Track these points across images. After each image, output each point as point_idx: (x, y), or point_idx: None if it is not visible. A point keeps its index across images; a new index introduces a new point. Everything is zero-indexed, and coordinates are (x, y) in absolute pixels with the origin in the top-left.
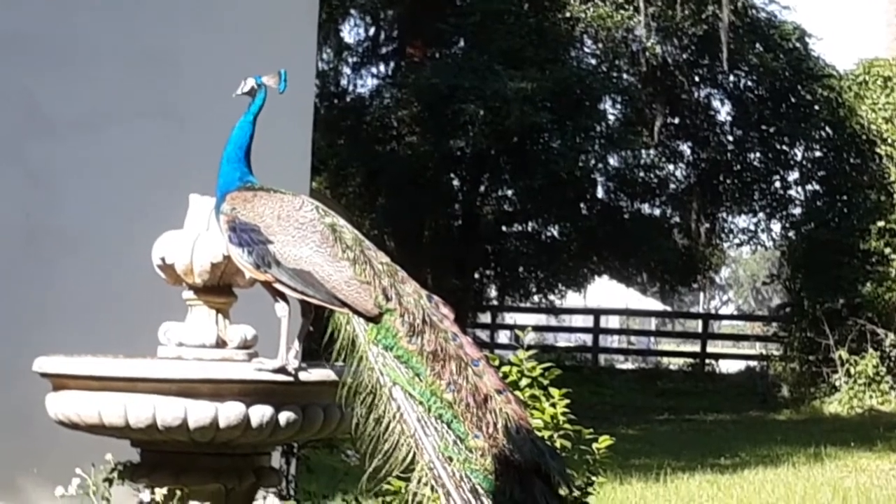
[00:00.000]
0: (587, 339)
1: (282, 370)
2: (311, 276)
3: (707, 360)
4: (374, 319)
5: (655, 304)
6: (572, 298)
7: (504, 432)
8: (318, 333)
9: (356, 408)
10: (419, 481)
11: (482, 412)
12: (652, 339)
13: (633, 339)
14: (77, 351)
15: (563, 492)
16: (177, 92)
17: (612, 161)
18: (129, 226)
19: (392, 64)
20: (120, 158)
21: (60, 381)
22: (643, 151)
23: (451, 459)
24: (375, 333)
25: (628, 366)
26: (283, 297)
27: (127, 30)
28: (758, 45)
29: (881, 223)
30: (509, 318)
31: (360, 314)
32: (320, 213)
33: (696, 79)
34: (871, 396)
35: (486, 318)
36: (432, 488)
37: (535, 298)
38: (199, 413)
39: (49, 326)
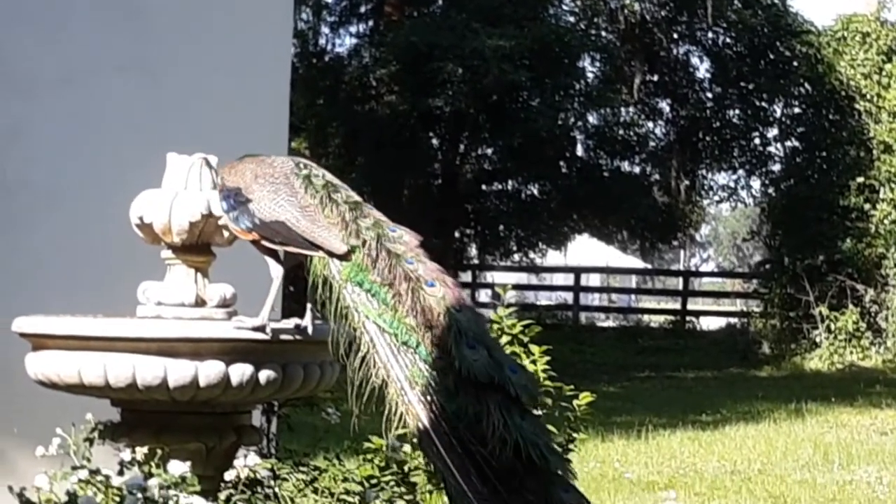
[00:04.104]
0: (568, 297)
1: (261, 329)
2: (285, 226)
3: (688, 318)
4: (345, 257)
5: (636, 262)
6: (553, 257)
7: (460, 349)
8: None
9: (342, 350)
10: (391, 410)
11: (437, 331)
12: (632, 296)
13: (613, 296)
14: (56, 310)
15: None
16: (152, 46)
17: (592, 119)
18: (107, 184)
19: (370, 23)
20: (96, 115)
21: (40, 341)
22: (622, 109)
23: (417, 383)
24: (348, 271)
25: (609, 324)
26: (275, 256)
27: None
28: (736, 1)
29: (860, 179)
30: (490, 276)
31: (332, 254)
32: (299, 168)
33: (675, 36)
34: (851, 352)
35: (466, 276)
36: (402, 415)
37: (516, 257)
38: (178, 372)
39: (27, 286)
